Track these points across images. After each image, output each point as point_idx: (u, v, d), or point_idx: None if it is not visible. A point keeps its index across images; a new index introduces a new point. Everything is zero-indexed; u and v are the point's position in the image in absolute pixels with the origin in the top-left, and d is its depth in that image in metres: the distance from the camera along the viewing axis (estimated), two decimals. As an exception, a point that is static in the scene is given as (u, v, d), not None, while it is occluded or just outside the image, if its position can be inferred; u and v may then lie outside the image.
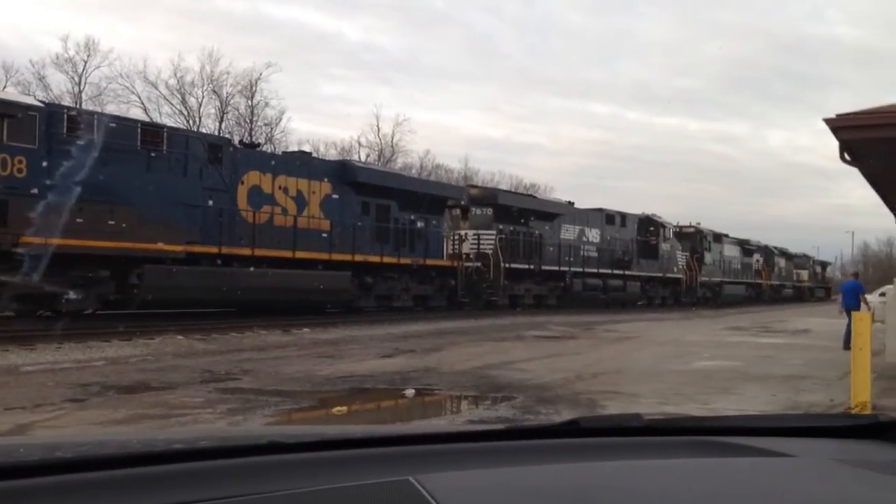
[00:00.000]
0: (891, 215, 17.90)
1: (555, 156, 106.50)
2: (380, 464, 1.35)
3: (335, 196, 22.22)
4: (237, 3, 74.77)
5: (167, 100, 50.54)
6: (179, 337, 15.99)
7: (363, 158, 52.82)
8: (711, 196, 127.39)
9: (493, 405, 9.55)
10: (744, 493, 1.38)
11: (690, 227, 44.94)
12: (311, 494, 1.20)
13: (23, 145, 15.25)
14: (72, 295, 15.79)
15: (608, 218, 35.94)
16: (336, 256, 21.71)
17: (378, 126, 60.31)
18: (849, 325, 15.08)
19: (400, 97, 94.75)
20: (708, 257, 45.31)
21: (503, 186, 55.89)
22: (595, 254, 34.18)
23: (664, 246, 39.60)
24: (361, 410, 9.74)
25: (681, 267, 41.60)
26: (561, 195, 54.86)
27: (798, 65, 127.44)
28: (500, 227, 28.71)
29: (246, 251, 19.36)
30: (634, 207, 41.01)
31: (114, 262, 16.70)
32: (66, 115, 16.62)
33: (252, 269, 19.39)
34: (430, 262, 25.13)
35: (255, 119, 52.75)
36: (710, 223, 47.48)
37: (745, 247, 52.13)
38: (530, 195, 41.27)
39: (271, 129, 53.47)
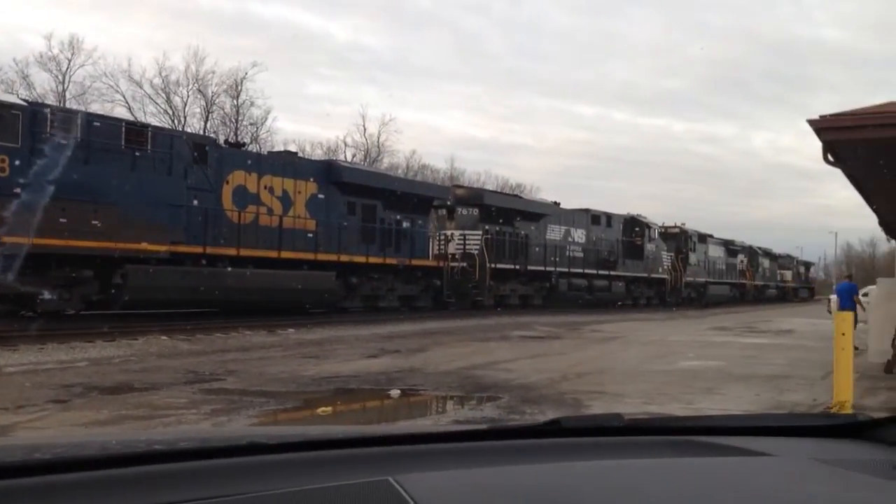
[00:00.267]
0: (874, 216, 18.03)
1: (541, 156, 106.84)
2: (360, 464, 1.35)
3: (321, 196, 22.17)
4: (224, 2, 74.56)
5: (152, 99, 50.38)
6: (163, 337, 15.91)
7: (349, 158, 52.77)
8: (696, 196, 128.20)
9: (478, 405, 9.55)
10: (723, 492, 1.39)
11: (675, 227, 45.13)
12: (290, 495, 1.20)
13: (6, 144, 15.13)
14: (47, 295, 15.65)
15: (594, 218, 36.04)
16: (321, 257, 21.67)
17: (364, 126, 60.34)
18: None
19: (387, 97, 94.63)
20: (693, 258, 45.51)
21: (489, 187, 55.98)
22: (580, 254, 34.27)
23: (649, 246, 39.74)
24: (346, 411, 9.72)
25: (666, 267, 41.77)
26: (547, 195, 55.11)
27: (784, 66, 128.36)
28: (486, 227, 28.73)
29: (231, 251, 19.29)
30: (620, 208, 41.20)
31: (97, 262, 16.60)
32: (49, 114, 16.50)
33: (237, 269, 19.32)
34: (415, 262, 25.12)
35: (240, 119, 52.65)
36: (694, 224, 47.79)
37: (730, 247, 52.40)
38: (516, 195, 41.33)
39: (257, 128, 53.39)
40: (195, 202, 18.74)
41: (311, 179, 22.00)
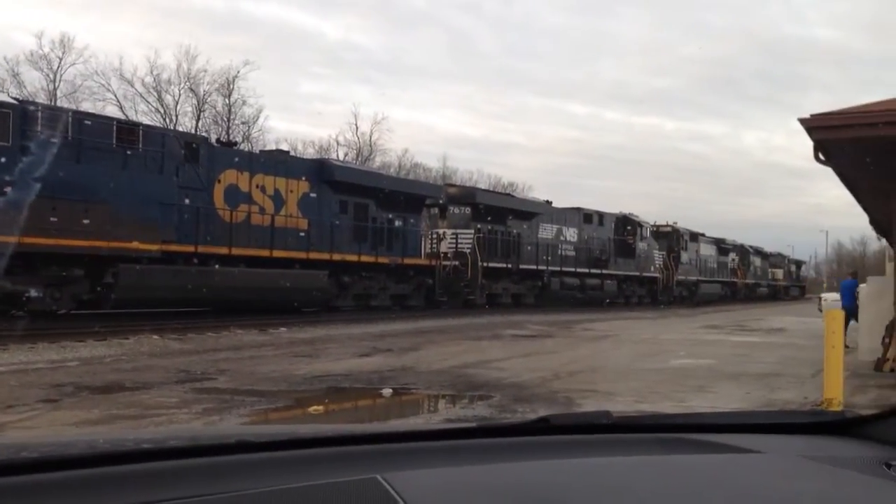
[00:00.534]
0: (864, 215, 18.09)
1: (533, 155, 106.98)
2: (349, 462, 1.35)
3: (313, 195, 22.13)
4: (216, 1, 74.38)
5: (143, 97, 50.23)
6: (155, 337, 15.87)
7: (341, 157, 52.70)
8: (688, 195, 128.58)
9: (470, 404, 9.56)
10: (712, 489, 1.39)
11: (667, 226, 45.21)
12: (278, 493, 1.20)
13: (-5, 143, 15.07)
14: (33, 293, 15.58)
15: (586, 217, 36.08)
16: (313, 255, 21.64)
17: (356, 125, 60.28)
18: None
19: (379, 96, 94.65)
20: (684, 256, 45.61)
21: (481, 185, 56.00)
22: (572, 253, 34.31)
23: (641, 245, 39.82)
24: (338, 410, 9.71)
25: (657, 266, 41.85)
26: (539, 194, 55.20)
27: (777, 66, 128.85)
28: (479, 226, 28.74)
29: (223, 250, 19.25)
30: (612, 207, 41.21)
31: (88, 261, 16.54)
32: (40, 113, 16.43)
33: (229, 268, 19.28)
34: (408, 261, 25.11)
35: (232, 117, 52.54)
36: (686, 222, 47.89)
37: (721, 246, 52.53)
38: (508, 194, 41.33)
39: (249, 127, 53.29)
40: (187, 201, 18.69)
41: (303, 178, 21.97)
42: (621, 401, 9.52)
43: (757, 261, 61.11)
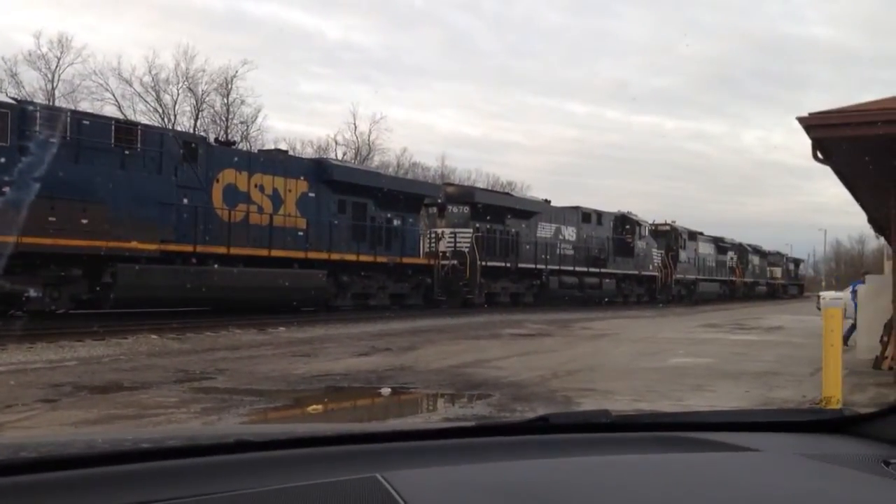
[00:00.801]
0: (862, 213, 18.10)
1: (532, 154, 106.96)
2: (348, 461, 1.35)
3: (311, 194, 22.14)
4: (216, 1, 74.33)
5: (142, 97, 50.23)
6: (153, 336, 15.86)
7: (340, 157, 52.68)
8: (687, 194, 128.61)
9: (468, 403, 9.56)
10: (710, 488, 1.39)
11: (666, 225, 45.23)
12: (277, 492, 1.20)
13: (-6, 143, 15.07)
14: (33, 293, 15.58)
15: (584, 216, 36.09)
16: (312, 255, 21.64)
17: (355, 124, 60.26)
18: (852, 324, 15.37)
19: (378, 95, 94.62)
20: (683, 255, 45.64)
21: (480, 185, 56.02)
22: (571, 252, 34.33)
23: (640, 244, 39.84)
24: (337, 409, 9.71)
25: (656, 265, 41.88)
26: (538, 193, 55.29)
27: (775, 64, 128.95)
28: (477, 225, 28.75)
29: (221, 250, 19.25)
30: (610, 205, 41.36)
31: (87, 261, 16.54)
32: (38, 113, 16.42)
33: (227, 267, 19.28)
34: (406, 260, 25.12)
35: (230, 117, 52.53)
36: (685, 221, 47.92)
37: (720, 244, 52.56)
38: (507, 193, 41.31)
39: (247, 126, 53.29)
40: (185, 200, 18.69)
41: (302, 178, 21.97)
42: (620, 399, 9.52)
43: (755, 259, 61.13)
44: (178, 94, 51.34)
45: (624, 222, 39.16)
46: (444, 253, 27.75)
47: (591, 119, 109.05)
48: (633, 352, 15.77)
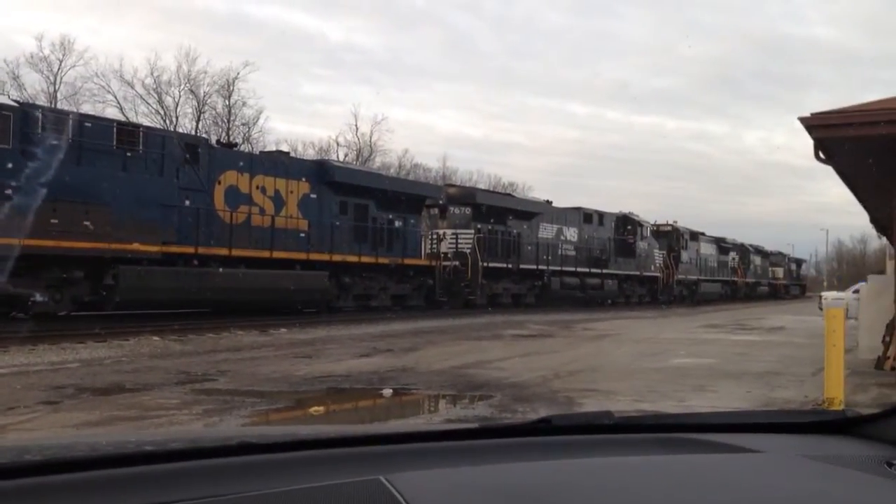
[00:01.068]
0: (864, 213, 18.11)
1: (534, 155, 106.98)
2: (351, 463, 1.36)
3: (313, 196, 22.14)
4: (218, 3, 74.41)
5: (143, 99, 50.30)
6: (155, 338, 15.86)
7: (341, 158, 52.73)
8: (688, 194, 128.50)
9: (470, 404, 9.55)
10: (712, 489, 1.39)
11: (667, 225, 45.20)
12: (280, 495, 1.20)
13: (-4, 145, 15.07)
14: (38, 297, 15.59)
15: (586, 217, 36.07)
16: (314, 256, 21.64)
17: (356, 125, 60.29)
18: None
19: (380, 96, 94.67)
20: (684, 255, 45.60)
21: (481, 185, 56.04)
22: (573, 252, 34.30)
23: (641, 244, 39.81)
24: (339, 410, 9.72)
25: (658, 265, 41.85)
26: (539, 194, 55.22)
27: (776, 65, 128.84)
28: (479, 226, 28.73)
29: (223, 251, 19.25)
30: (612, 206, 41.31)
31: (89, 262, 16.55)
32: (40, 115, 16.43)
33: (229, 269, 19.28)
34: (408, 261, 25.11)
35: (232, 119, 52.58)
36: (686, 221, 47.88)
37: (721, 245, 52.52)
38: (508, 194, 41.32)
39: (249, 128, 53.34)
40: (187, 202, 18.70)
41: (304, 179, 21.97)
42: (621, 400, 9.52)
43: (757, 260, 61.08)
44: (180, 96, 51.47)
45: (625, 223, 39.14)
46: (445, 254, 27.73)
47: (593, 120, 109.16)
48: (635, 352, 15.76)
